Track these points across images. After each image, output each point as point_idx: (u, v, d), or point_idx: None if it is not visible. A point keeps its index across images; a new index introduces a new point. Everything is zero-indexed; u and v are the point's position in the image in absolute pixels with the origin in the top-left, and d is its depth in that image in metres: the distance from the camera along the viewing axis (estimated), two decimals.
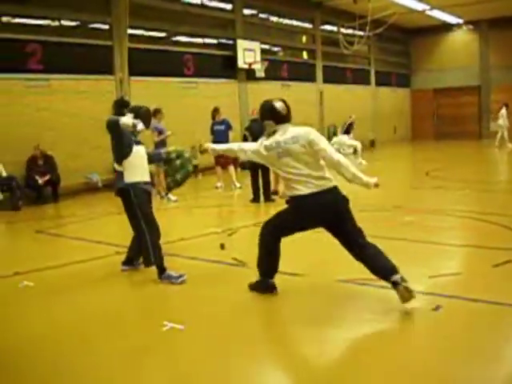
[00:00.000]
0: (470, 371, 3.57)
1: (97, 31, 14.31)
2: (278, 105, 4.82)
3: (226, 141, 11.69)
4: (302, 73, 21.88)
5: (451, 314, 4.49)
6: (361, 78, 26.23)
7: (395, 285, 4.50)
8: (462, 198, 10.32)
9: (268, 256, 5.05)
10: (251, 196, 10.78)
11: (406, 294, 4.45)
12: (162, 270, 5.66)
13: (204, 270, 6.03)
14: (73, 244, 8.05)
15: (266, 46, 19.91)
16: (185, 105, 15.82)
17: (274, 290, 5.12)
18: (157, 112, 11.32)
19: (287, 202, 4.91)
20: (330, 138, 21.28)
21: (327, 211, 4.72)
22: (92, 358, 3.98)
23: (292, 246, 5.44)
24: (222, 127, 12.84)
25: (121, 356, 3.99)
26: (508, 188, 12.12)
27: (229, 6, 18.23)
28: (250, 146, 5.20)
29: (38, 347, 4.24)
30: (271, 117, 4.82)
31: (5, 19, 12.33)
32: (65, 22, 13.55)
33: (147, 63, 15.11)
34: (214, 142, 11.57)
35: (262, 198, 10.71)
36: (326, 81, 23.28)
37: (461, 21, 27.18)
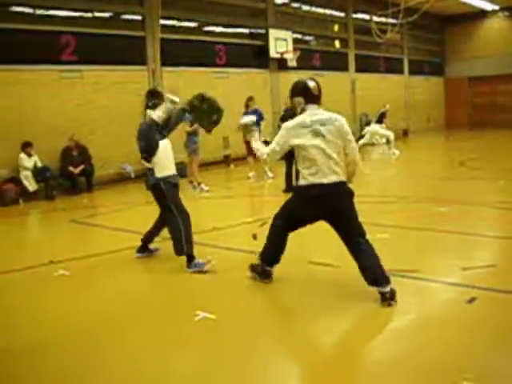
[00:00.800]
0: (505, 366, 3.51)
1: (129, 22, 14.41)
2: (311, 84, 4.74)
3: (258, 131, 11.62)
4: (335, 62, 21.70)
5: (486, 307, 4.42)
6: (393, 66, 25.91)
7: (383, 296, 4.45)
8: (498, 188, 10.12)
9: (272, 243, 5.05)
10: (284, 186, 10.74)
11: (386, 304, 4.43)
12: (191, 259, 5.72)
13: (235, 260, 6.04)
14: (106, 233, 8.19)
15: (298, 36, 19.80)
16: (216, 95, 15.71)
17: (267, 280, 5.13)
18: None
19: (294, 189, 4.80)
20: (362, 127, 21.08)
21: (331, 202, 4.60)
22: (123, 350, 4.04)
23: (323, 236, 5.42)
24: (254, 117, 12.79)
25: (154, 347, 4.01)
26: None
27: None
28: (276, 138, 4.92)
29: (70, 339, 4.29)
30: (302, 94, 4.72)
31: (39, 11, 12.51)
32: (98, 14, 13.68)
33: (179, 53, 15.18)
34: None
35: None
36: (358, 70, 23.07)
37: (496, 7, 26.60)
